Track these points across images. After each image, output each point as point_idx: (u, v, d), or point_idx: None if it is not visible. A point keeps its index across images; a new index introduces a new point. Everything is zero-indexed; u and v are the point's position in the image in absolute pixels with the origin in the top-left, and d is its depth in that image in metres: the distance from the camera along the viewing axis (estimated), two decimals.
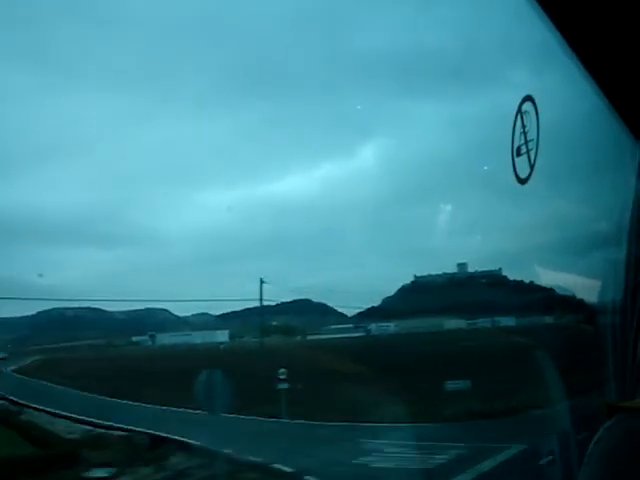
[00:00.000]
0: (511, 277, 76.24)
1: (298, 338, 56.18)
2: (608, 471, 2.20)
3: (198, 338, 54.02)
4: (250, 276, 72.61)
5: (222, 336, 55.93)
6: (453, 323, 60.81)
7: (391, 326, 58.71)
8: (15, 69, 43.04)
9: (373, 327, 57.50)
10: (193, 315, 64.54)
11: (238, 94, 56.11)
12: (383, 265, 69.04)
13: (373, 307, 76.36)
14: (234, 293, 70.77)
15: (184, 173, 60.79)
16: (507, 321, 61.56)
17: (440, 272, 76.69)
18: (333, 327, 56.87)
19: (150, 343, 53.69)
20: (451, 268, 76.76)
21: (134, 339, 54.14)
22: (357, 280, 73.24)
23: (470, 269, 75.11)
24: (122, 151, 55.57)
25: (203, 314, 65.72)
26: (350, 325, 57.28)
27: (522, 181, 4.83)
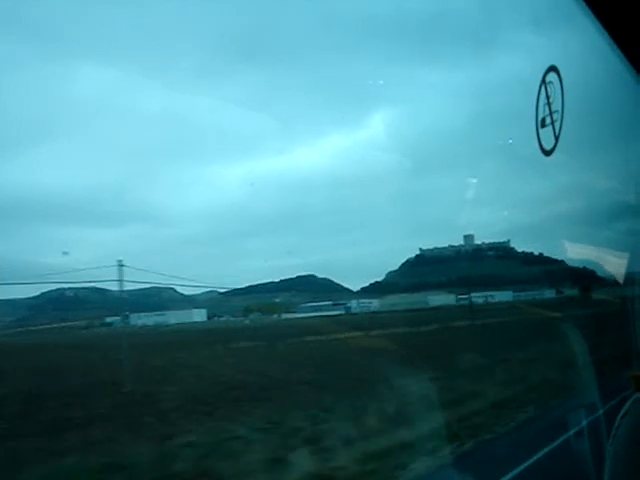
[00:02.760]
0: (524, 249, 72.57)
1: (275, 317, 54.66)
2: (636, 444, 2.42)
3: (172, 318, 53.30)
4: (257, 252, 71.94)
5: (199, 316, 55.08)
6: (442, 299, 57.66)
7: (374, 303, 56.20)
8: (10, 42, 42.11)
9: (354, 304, 55.18)
10: (201, 293, 64.25)
11: (242, 64, 54.20)
12: (392, 238, 66.68)
13: (377, 282, 74.10)
14: (242, 270, 70.18)
15: (189, 147, 59.76)
16: (504, 296, 57.95)
17: (446, 245, 73.41)
18: (311, 305, 54.93)
19: (122, 324, 53.21)
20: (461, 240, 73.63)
21: (108, 320, 53.84)
22: (365, 255, 71.23)
23: (478, 241, 71.79)
24: (125, 126, 54.98)
25: (210, 292, 65.27)
26: (329, 302, 55.22)
27: (547, 152, 4.87)
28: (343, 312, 53.65)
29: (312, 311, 53.36)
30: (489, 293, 59.50)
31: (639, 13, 3.54)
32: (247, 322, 54.27)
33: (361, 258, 73.42)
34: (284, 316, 54.21)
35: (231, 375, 24.44)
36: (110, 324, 53.55)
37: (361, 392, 17.86)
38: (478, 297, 58.29)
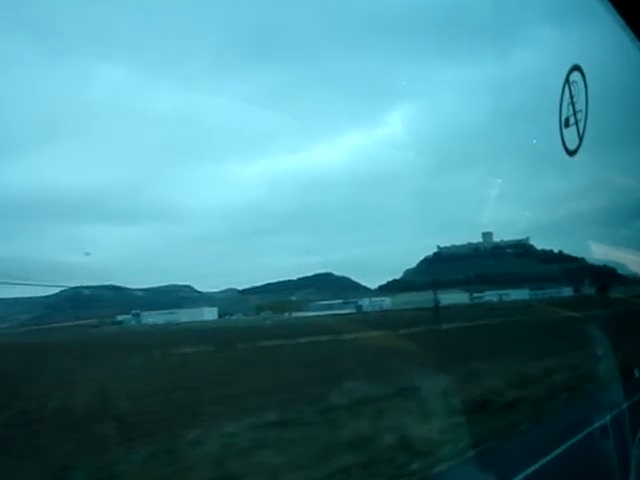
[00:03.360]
0: (543, 247, 70.95)
1: (286, 315, 54.30)
2: None
3: (183, 316, 53.26)
4: (276, 250, 71.83)
5: (210, 314, 54.98)
6: (455, 297, 56.59)
7: (386, 301, 55.40)
8: (19, 41, 41.75)
9: (366, 302, 54.47)
10: (218, 291, 64.12)
11: (257, 60, 53.77)
12: (411, 237, 65.95)
13: (395, 280, 73.20)
14: (260, 268, 70.17)
15: (204, 145, 59.66)
16: (520, 294, 56.66)
17: (464, 242, 72.10)
18: (323, 303, 54.44)
19: (133, 323, 53.46)
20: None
21: (118, 318, 54.05)
22: (383, 253, 70.41)
23: (497, 238, 70.47)
24: (139, 125, 54.98)
25: (228, 290, 65.14)
26: (340, 301, 54.65)
27: (571, 153, 4.86)
28: (354, 311, 53.08)
29: (323, 309, 52.89)
30: (504, 291, 58.23)
31: None
32: (267, 321, 54.14)
33: (379, 256, 72.49)
34: (294, 314, 53.88)
35: (66, 399, 20.61)
36: (120, 322, 53.81)
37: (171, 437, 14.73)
38: (493, 295, 57.09)
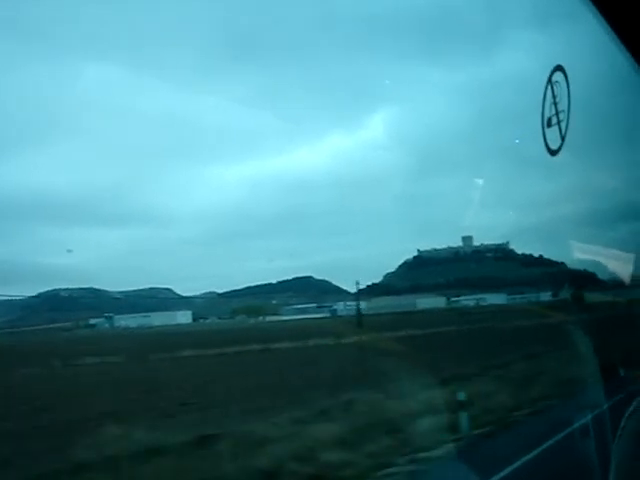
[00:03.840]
0: (524, 251, 70.76)
1: (260, 319, 53.89)
2: None
3: (157, 320, 52.84)
4: (258, 253, 71.41)
5: (184, 317, 54.57)
6: (430, 302, 56.22)
7: (361, 305, 54.93)
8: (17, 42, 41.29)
9: (340, 306, 54.01)
10: (198, 294, 63.74)
11: (243, 63, 53.69)
12: (392, 240, 65.76)
13: (374, 284, 72.93)
14: (242, 271, 69.85)
15: (190, 147, 59.46)
16: (497, 299, 56.35)
17: (445, 246, 71.89)
18: (296, 307, 54.07)
19: (107, 326, 53.07)
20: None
21: (91, 321, 53.66)
22: (364, 256, 70.17)
23: (477, 242, 70.32)
24: (125, 127, 54.74)
25: (208, 293, 64.80)
26: (314, 305, 54.25)
27: (553, 152, 4.97)
28: (328, 315, 52.60)
29: (297, 313, 52.53)
30: (481, 296, 57.82)
31: None
32: (251, 321, 53.76)
33: (360, 260, 72.52)
34: (268, 318, 53.50)
35: None
36: (93, 325, 53.43)
37: None
38: (470, 300, 56.72)
